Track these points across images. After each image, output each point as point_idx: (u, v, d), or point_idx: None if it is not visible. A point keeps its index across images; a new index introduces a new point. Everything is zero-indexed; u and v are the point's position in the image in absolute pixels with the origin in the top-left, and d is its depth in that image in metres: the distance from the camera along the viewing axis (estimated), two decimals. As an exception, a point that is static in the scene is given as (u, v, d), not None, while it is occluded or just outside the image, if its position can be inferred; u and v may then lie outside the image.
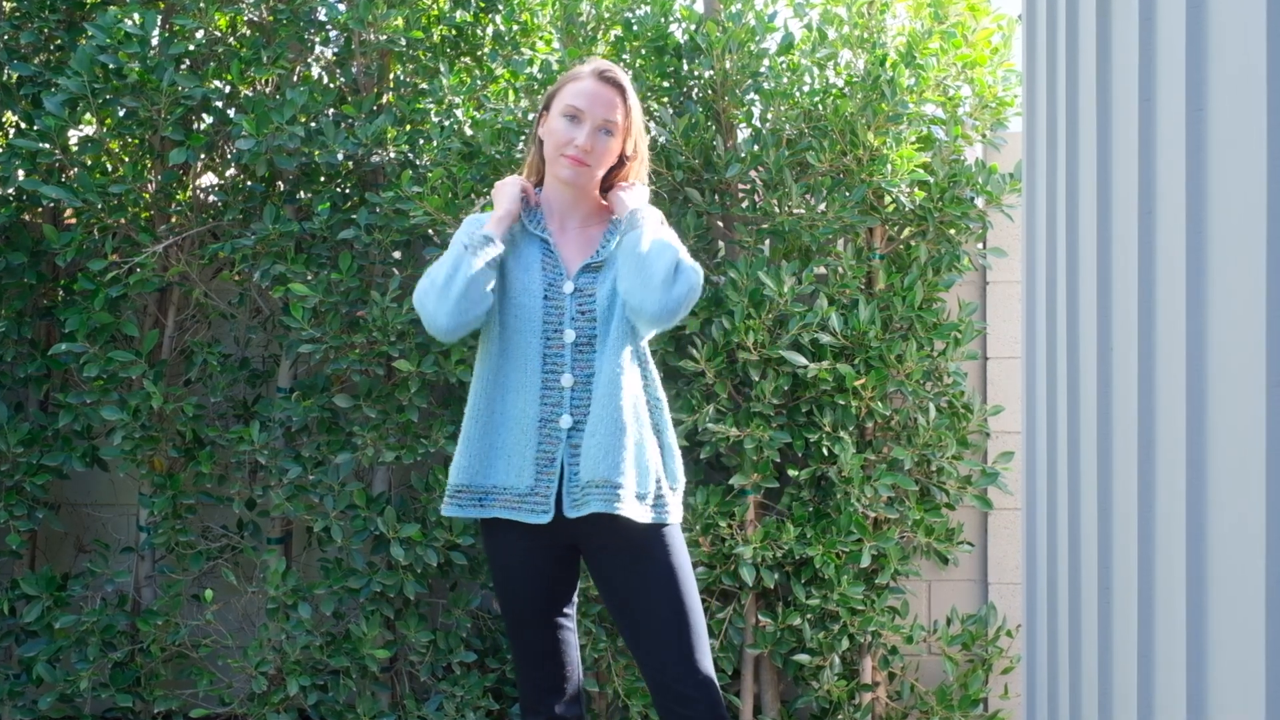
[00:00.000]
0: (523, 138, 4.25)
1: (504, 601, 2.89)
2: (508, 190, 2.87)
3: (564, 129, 2.79)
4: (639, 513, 2.75)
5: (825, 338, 4.14)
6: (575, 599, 2.93)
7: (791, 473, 4.21)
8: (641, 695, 4.20)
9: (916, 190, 4.28)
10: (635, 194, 2.88)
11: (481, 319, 2.78)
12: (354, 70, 4.34)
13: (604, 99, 2.79)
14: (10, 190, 4.28)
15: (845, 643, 4.19)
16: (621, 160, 2.88)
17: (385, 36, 4.24)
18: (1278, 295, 1.72)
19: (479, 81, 4.36)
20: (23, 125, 4.31)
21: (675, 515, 2.83)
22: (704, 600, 4.21)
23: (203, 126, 4.36)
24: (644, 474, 2.77)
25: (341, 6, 4.33)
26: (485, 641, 4.44)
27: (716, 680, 2.83)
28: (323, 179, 4.39)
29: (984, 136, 4.34)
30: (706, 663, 2.80)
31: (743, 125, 4.34)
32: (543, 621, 2.87)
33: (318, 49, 4.50)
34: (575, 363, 2.79)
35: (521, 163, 4.21)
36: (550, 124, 2.83)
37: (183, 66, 4.18)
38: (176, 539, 4.35)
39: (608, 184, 2.92)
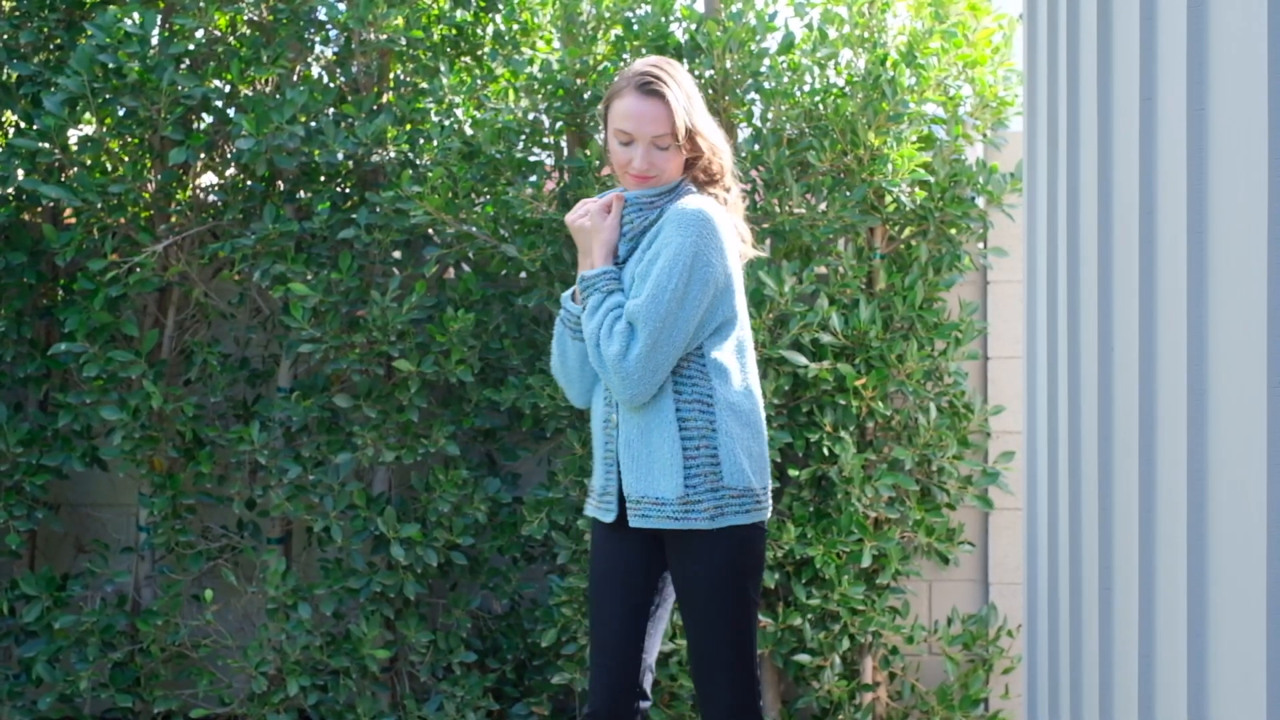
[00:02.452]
0: (522, 137, 4.27)
1: (590, 586, 2.93)
2: (597, 235, 2.84)
3: (620, 152, 2.79)
4: (682, 522, 2.73)
5: (826, 337, 4.14)
6: (657, 599, 2.88)
7: (792, 473, 4.20)
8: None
9: (917, 190, 4.28)
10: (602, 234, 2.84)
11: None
12: (354, 70, 4.34)
13: (649, 116, 2.75)
14: (10, 190, 4.28)
15: (846, 643, 4.19)
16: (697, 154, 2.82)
17: (385, 36, 4.24)
18: (1279, 294, 1.72)
19: (479, 81, 4.36)
20: (22, 125, 4.31)
21: (727, 518, 2.74)
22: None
23: (202, 126, 4.36)
24: (673, 479, 2.74)
25: (341, 6, 4.32)
26: (485, 642, 4.44)
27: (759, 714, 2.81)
28: (322, 178, 4.39)
29: (985, 136, 4.34)
30: (747, 700, 2.77)
31: (743, 124, 4.34)
32: (617, 614, 2.86)
33: (318, 48, 4.50)
34: None
35: (523, 161, 4.25)
36: (612, 147, 2.81)
37: (182, 66, 4.18)
38: (176, 539, 4.35)
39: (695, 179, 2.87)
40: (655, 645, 2.89)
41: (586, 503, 2.95)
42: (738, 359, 2.81)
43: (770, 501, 2.85)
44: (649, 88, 2.75)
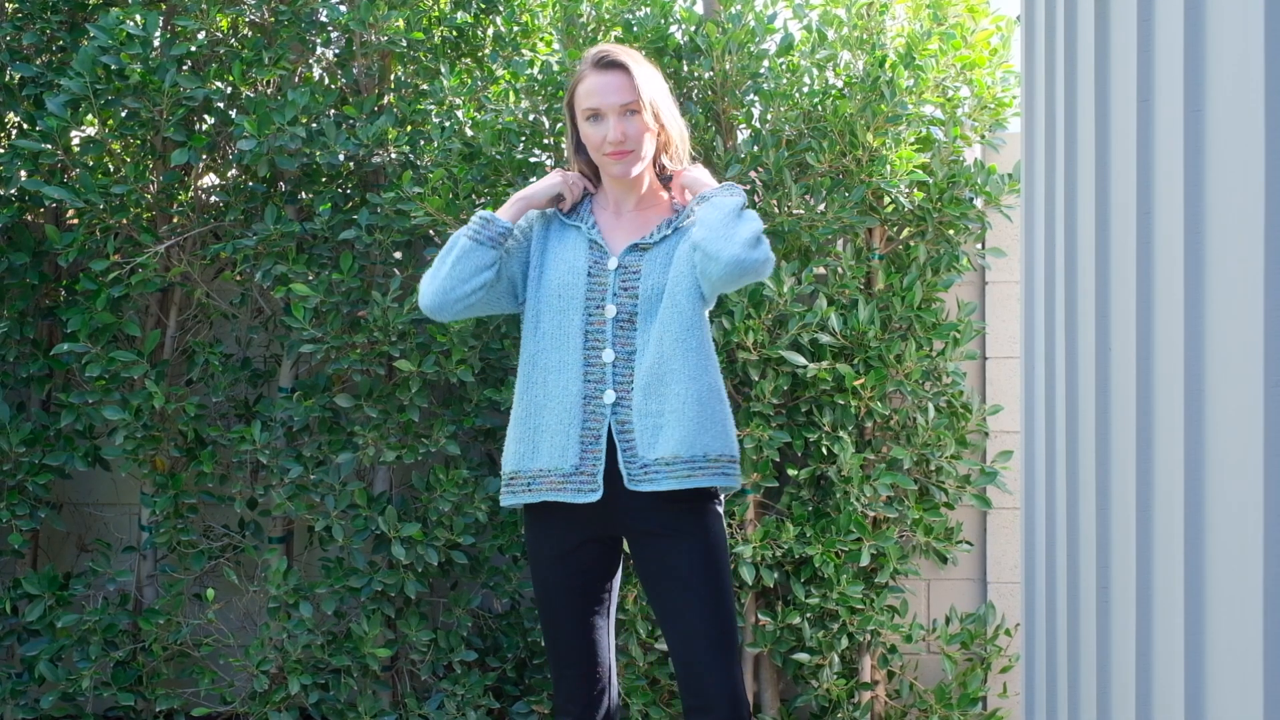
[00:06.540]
0: (522, 139, 4.28)
1: (538, 593, 2.90)
2: (545, 181, 2.94)
3: (594, 132, 2.83)
4: (710, 480, 2.86)
5: (825, 338, 4.16)
6: (610, 598, 2.92)
7: (791, 472, 4.22)
8: (641, 694, 4.21)
9: (916, 191, 4.29)
10: (706, 177, 2.94)
11: (471, 301, 2.82)
12: (355, 71, 4.35)
13: (613, 86, 2.82)
14: (13, 191, 4.29)
15: (845, 641, 4.21)
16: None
17: (386, 38, 4.25)
18: (1276, 294, 1.73)
19: (480, 82, 4.38)
20: (25, 126, 4.32)
21: (731, 479, 2.91)
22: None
23: (204, 127, 4.37)
24: (706, 440, 2.86)
25: (343, 8, 4.34)
26: (486, 640, 4.46)
27: (743, 693, 2.82)
28: (324, 179, 4.40)
29: (983, 137, 4.36)
30: (733, 668, 2.81)
31: (742, 126, 4.35)
32: (574, 617, 2.87)
33: (319, 50, 4.51)
34: (616, 338, 2.81)
35: (523, 163, 4.27)
36: (583, 133, 2.87)
37: (184, 67, 4.19)
38: (178, 538, 4.36)
39: (663, 170, 2.95)
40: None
41: (515, 492, 2.91)
42: None
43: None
44: (606, 60, 2.84)
